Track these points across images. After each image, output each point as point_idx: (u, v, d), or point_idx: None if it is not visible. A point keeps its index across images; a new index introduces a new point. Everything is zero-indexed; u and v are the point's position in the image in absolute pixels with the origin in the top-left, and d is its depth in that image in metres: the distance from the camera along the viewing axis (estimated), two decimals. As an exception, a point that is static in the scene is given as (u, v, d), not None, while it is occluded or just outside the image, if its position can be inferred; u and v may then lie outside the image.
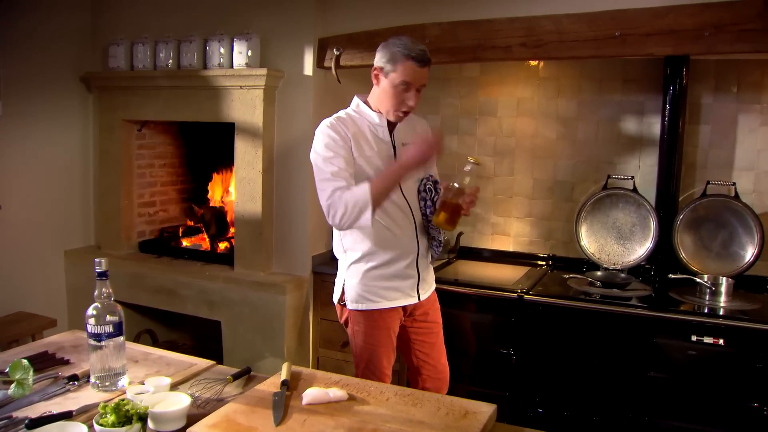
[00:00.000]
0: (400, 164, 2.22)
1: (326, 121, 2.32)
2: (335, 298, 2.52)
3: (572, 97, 3.53)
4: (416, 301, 2.47)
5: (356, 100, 2.42)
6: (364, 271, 2.40)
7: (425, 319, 2.54)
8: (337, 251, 2.50)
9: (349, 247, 2.44)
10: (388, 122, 2.37)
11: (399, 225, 2.38)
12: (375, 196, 2.16)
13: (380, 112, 2.35)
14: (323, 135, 2.27)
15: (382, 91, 2.31)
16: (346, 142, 2.26)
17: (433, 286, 2.61)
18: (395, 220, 2.38)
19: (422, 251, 2.47)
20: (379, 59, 2.30)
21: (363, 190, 2.16)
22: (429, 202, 2.44)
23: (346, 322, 2.49)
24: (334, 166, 2.21)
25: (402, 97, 2.27)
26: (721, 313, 2.77)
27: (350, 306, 2.44)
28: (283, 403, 1.74)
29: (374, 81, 2.34)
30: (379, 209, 2.24)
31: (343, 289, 2.46)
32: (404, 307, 2.47)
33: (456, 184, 2.20)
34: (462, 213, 2.21)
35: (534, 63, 3.58)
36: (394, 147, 2.39)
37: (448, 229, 2.29)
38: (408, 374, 2.62)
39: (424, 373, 2.54)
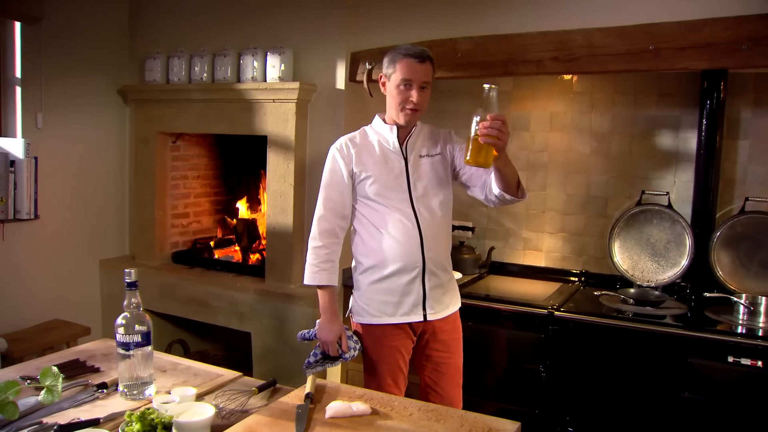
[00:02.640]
0: (324, 313, 2.40)
1: (337, 141, 2.42)
2: (349, 310, 2.52)
3: (606, 111, 3.48)
4: (421, 320, 2.36)
5: (376, 117, 2.47)
6: (367, 284, 2.39)
7: (438, 347, 2.43)
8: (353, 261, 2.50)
9: (357, 258, 2.44)
10: (399, 134, 2.39)
11: (403, 236, 2.32)
12: (316, 288, 2.40)
13: (393, 124, 2.39)
14: (330, 156, 2.42)
15: (388, 95, 2.37)
16: (347, 164, 2.37)
17: (450, 309, 2.46)
18: (399, 230, 2.33)
19: (430, 267, 2.35)
20: (383, 68, 2.37)
21: (316, 278, 2.37)
22: None
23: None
24: (330, 196, 2.40)
25: (405, 95, 2.30)
26: (760, 333, 2.68)
27: (354, 318, 2.45)
28: (306, 416, 1.74)
29: (382, 89, 2.40)
30: (383, 218, 2.35)
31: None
32: (412, 327, 2.38)
33: (476, 117, 2.03)
34: (482, 142, 2.00)
35: (567, 77, 3.54)
36: (405, 158, 2.39)
37: (480, 166, 2.09)
38: (420, 397, 2.48)
39: (431, 401, 2.39)
